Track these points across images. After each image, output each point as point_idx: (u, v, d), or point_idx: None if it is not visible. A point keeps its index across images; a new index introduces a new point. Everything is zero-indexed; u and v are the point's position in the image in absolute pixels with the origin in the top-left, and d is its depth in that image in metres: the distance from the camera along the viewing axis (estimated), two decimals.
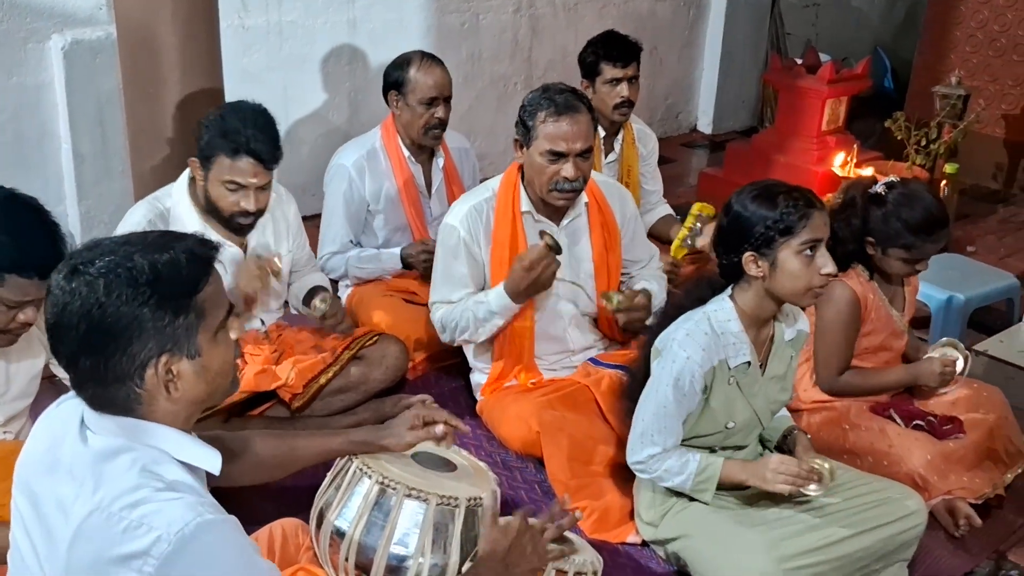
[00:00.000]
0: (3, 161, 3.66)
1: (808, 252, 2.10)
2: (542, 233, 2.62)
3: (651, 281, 2.93)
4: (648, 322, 2.85)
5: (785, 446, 2.39)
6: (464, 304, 2.74)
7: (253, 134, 2.50)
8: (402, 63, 3.28)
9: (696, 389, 2.20)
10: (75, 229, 3.92)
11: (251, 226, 2.67)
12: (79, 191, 3.85)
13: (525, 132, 2.64)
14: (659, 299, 2.89)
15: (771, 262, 2.12)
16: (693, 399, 2.21)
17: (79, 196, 3.86)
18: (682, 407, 2.21)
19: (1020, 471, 2.70)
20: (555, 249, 2.58)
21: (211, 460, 1.42)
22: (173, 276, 1.33)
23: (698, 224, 3.29)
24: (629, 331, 2.84)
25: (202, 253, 1.38)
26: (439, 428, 1.87)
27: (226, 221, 2.61)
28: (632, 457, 2.30)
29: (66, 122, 3.74)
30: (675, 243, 3.31)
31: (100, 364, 1.31)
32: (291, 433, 2.08)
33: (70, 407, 1.41)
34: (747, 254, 2.13)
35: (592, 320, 2.91)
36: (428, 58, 3.28)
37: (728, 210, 2.20)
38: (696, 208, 3.32)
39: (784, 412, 2.46)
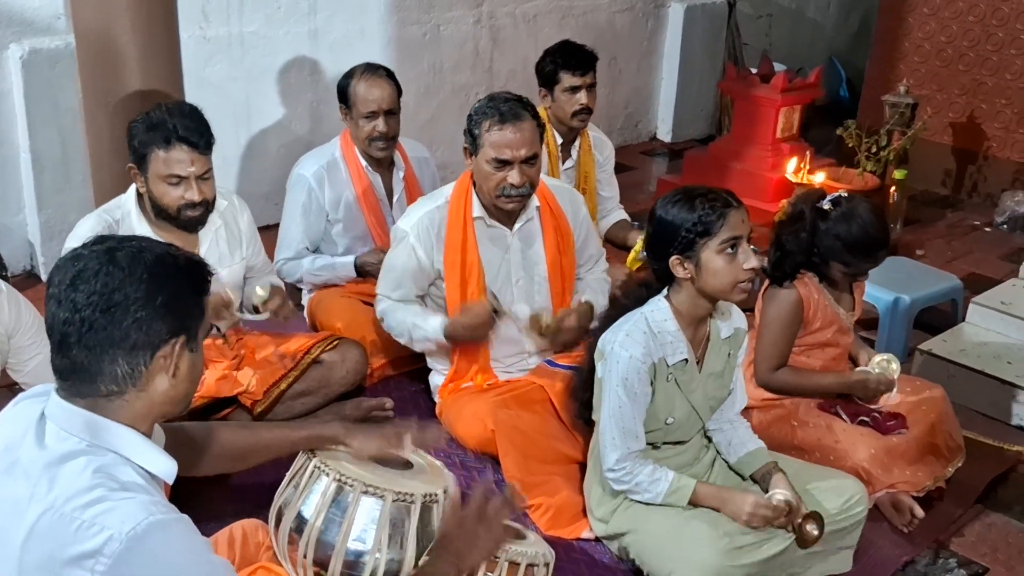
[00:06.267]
0: None
1: (729, 250, 2.17)
2: (490, 299, 2.73)
3: (594, 292, 2.99)
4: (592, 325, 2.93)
5: (762, 484, 2.36)
6: (405, 314, 2.82)
7: (181, 122, 2.53)
8: (348, 75, 3.28)
9: (644, 386, 2.26)
10: (35, 238, 3.92)
11: (202, 219, 2.66)
12: (39, 200, 3.84)
13: (472, 141, 2.70)
14: (600, 305, 2.95)
15: (696, 263, 2.19)
16: (644, 397, 2.27)
17: (39, 205, 3.85)
18: (637, 405, 2.26)
19: (960, 465, 2.80)
20: (497, 313, 2.71)
21: (167, 468, 1.43)
22: (198, 273, 1.44)
23: None
24: (563, 350, 2.90)
25: (206, 265, 1.49)
26: (407, 438, 1.91)
27: (176, 221, 2.62)
28: (604, 466, 2.33)
29: (25, 131, 3.74)
30: (630, 257, 3.45)
31: (118, 327, 1.33)
32: (256, 424, 2.11)
33: (28, 406, 1.43)
34: (673, 258, 2.20)
35: None
36: (371, 71, 3.26)
37: (652, 217, 2.26)
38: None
39: (760, 444, 2.44)
